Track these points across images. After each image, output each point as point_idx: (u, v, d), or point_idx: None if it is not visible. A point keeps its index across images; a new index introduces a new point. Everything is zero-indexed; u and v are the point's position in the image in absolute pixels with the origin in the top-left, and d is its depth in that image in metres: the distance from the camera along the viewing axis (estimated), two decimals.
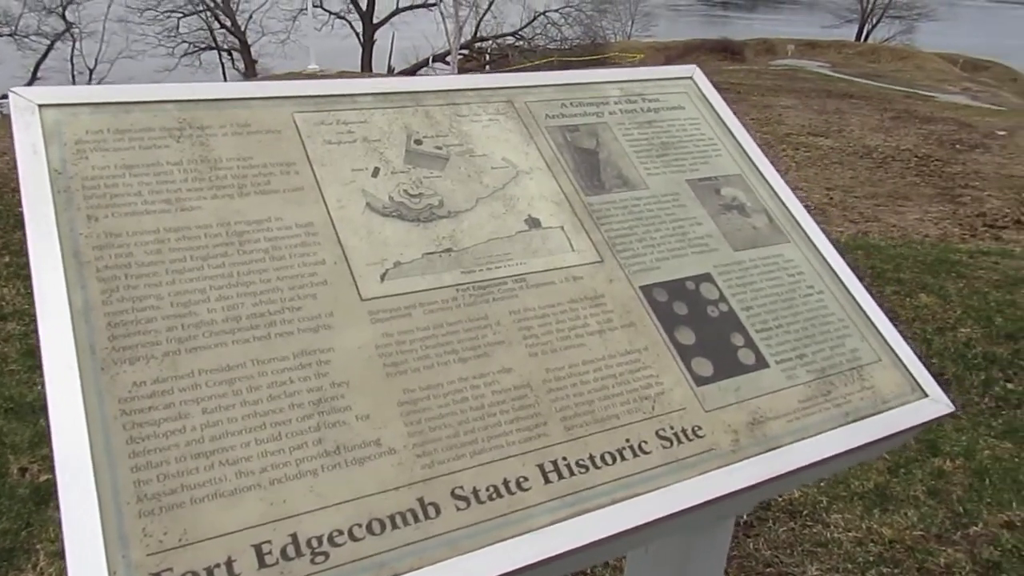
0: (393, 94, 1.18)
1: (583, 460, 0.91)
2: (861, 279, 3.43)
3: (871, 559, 2.28)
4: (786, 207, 1.30)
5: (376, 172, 1.07)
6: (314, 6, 24.71)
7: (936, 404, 1.14)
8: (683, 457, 0.95)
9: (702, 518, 1.17)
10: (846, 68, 26.45)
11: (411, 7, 28.16)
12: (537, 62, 24.69)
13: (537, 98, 1.28)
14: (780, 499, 2.50)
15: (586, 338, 1.01)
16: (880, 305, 3.23)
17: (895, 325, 3.21)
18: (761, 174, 1.33)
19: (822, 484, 2.59)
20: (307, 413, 0.83)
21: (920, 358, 3.16)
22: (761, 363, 1.08)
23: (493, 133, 1.19)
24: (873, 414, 1.10)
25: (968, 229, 8.60)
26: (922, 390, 1.15)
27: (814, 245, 1.27)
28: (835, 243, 1.33)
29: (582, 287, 1.06)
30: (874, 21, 42.54)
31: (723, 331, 1.09)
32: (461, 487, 0.84)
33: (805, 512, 2.46)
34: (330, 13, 28.29)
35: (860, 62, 29.53)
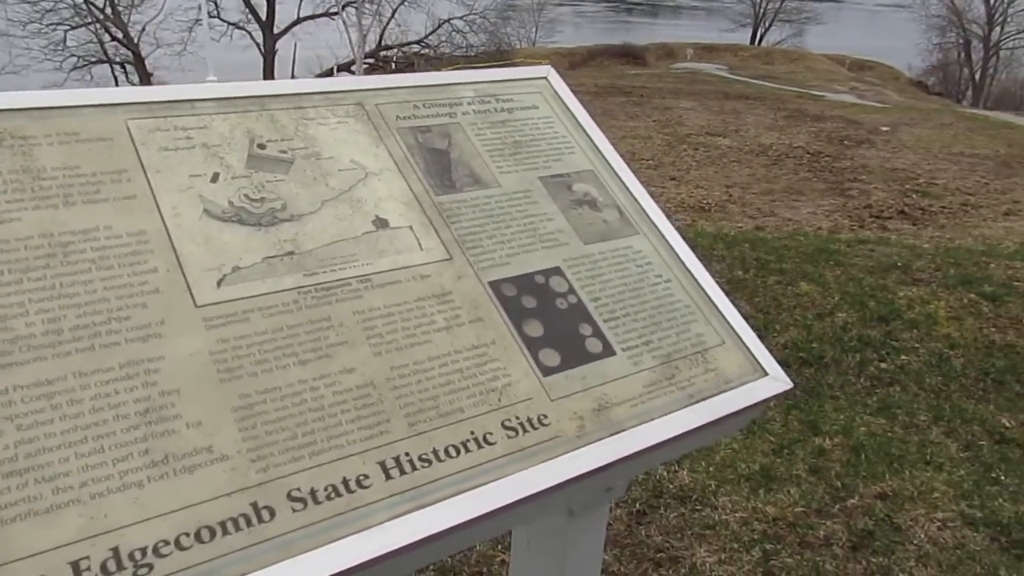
0: (236, 99, 1.17)
1: (426, 454, 0.92)
2: (747, 270, 3.57)
3: (756, 537, 2.37)
4: (637, 201, 1.35)
5: (216, 177, 1.06)
6: (211, 16, 24.02)
7: (776, 382, 1.20)
8: (528, 446, 0.98)
9: (565, 501, 1.20)
10: (742, 70, 27.49)
11: (312, 16, 27.73)
12: (443, 69, 24.69)
13: (388, 100, 1.29)
14: (671, 485, 2.58)
15: (432, 335, 1.03)
16: (764, 294, 3.36)
17: (778, 313, 3.36)
18: (613, 170, 1.38)
19: (711, 468, 2.68)
20: (133, 424, 0.82)
21: (802, 343, 3.30)
22: (608, 351, 1.12)
23: (341, 136, 1.19)
24: (716, 394, 1.15)
25: (857, 220, 9.06)
26: (763, 369, 1.21)
27: (663, 236, 1.31)
28: (683, 234, 1.38)
29: (430, 285, 1.07)
30: (767, 25, 44.35)
31: (571, 322, 1.12)
32: (298, 489, 0.84)
33: (695, 497, 2.54)
34: (228, 23, 27.56)
35: (755, 64, 30.73)
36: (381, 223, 1.11)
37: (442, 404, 0.97)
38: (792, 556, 2.30)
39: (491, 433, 0.97)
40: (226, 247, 0.99)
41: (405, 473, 0.90)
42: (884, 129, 14.38)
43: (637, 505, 2.49)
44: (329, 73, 27.02)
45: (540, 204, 1.26)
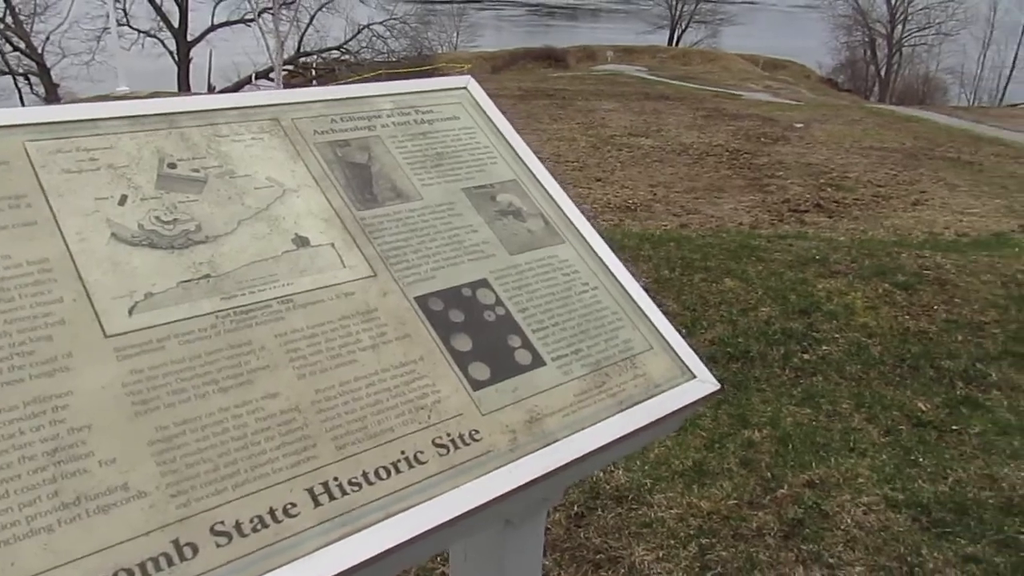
0: (144, 117, 1.12)
1: (356, 478, 0.90)
2: (673, 269, 3.63)
3: (692, 532, 2.42)
4: (561, 209, 1.35)
5: (124, 200, 1.01)
6: (119, 24, 23.21)
7: (703, 384, 1.22)
8: (460, 463, 0.97)
9: (502, 513, 1.19)
10: (662, 71, 28.04)
11: (227, 23, 27.07)
12: (365, 75, 24.44)
13: (305, 114, 1.26)
14: (608, 486, 2.60)
15: (358, 354, 1.00)
16: (690, 292, 3.42)
17: (704, 310, 3.42)
18: (536, 179, 1.38)
19: (646, 467, 2.72)
20: (40, 465, 0.77)
21: (728, 338, 3.38)
22: (538, 362, 1.12)
23: (256, 152, 1.16)
24: (646, 399, 1.16)
25: (776, 215, 9.34)
26: (691, 372, 1.23)
27: (588, 244, 1.32)
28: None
29: (354, 303, 1.05)
30: (683, 26, 45.41)
31: (500, 334, 1.12)
32: (222, 522, 0.81)
33: (631, 496, 2.57)
34: (139, 32, 26.68)
35: (674, 65, 31.40)
36: (301, 241, 1.08)
37: (370, 425, 0.95)
38: (727, 549, 2.35)
39: (422, 452, 0.95)
40: (137, 273, 0.95)
41: (335, 498, 0.87)
42: (798, 126, 14.87)
43: (575, 508, 2.50)
44: (248, 81, 26.46)
45: (464, 216, 1.25)
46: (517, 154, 1.40)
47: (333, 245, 1.10)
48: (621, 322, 1.24)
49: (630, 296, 1.28)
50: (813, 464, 2.77)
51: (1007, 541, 2.40)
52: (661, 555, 2.31)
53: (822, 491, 2.64)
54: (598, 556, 2.30)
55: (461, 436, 0.99)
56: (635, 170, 11.49)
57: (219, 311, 0.96)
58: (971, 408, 3.13)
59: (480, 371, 1.06)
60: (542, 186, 1.37)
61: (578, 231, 1.34)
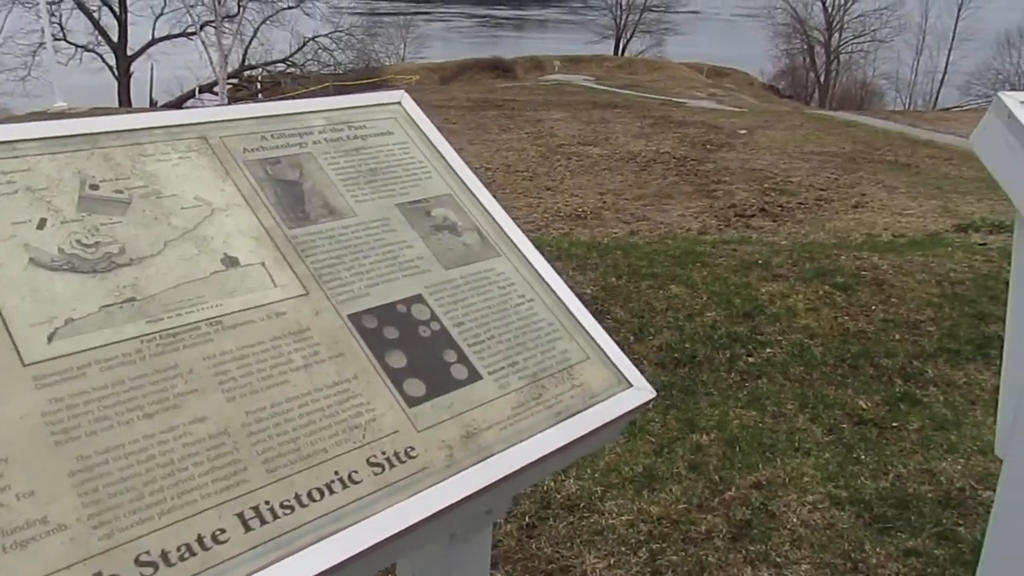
0: (64, 137, 1.09)
1: (288, 501, 0.89)
2: (620, 276, 3.66)
3: (642, 538, 2.44)
4: (496, 223, 1.36)
5: (43, 224, 0.99)
6: (56, 39, 22.62)
7: (640, 392, 1.23)
8: (396, 480, 0.96)
9: (445, 528, 1.19)
10: (608, 80, 28.39)
11: (169, 37, 26.60)
12: (312, 88, 24.24)
13: (234, 132, 1.24)
14: (559, 495, 2.61)
15: (290, 375, 0.99)
16: (637, 299, 3.45)
17: (651, 316, 3.46)
18: (472, 193, 1.38)
19: (596, 474, 2.74)
20: None
21: (675, 344, 3.41)
22: (474, 376, 1.12)
23: (184, 172, 1.14)
24: (583, 410, 1.17)
25: (723, 220, 9.51)
26: (627, 381, 1.24)
27: (524, 256, 1.33)
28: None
29: (285, 323, 1.04)
30: (629, 36, 46.05)
31: (435, 350, 1.12)
32: (147, 552, 0.79)
33: (582, 504, 2.58)
34: (76, 46, 26.05)
35: (620, 74, 31.81)
36: (231, 261, 1.07)
37: (303, 446, 0.94)
38: (677, 553, 2.38)
39: (356, 471, 0.94)
40: (57, 298, 0.93)
41: (266, 523, 0.86)
42: (742, 132, 15.16)
43: (527, 519, 2.51)
44: (191, 95, 26.02)
45: (398, 232, 1.24)
46: (452, 168, 1.40)
47: (264, 264, 1.09)
48: (558, 333, 1.25)
49: (566, 307, 1.29)
50: (760, 465, 2.82)
51: (945, 534, 2.47)
52: (612, 562, 2.33)
53: (769, 491, 2.68)
54: (550, 566, 2.31)
55: (396, 454, 0.98)
56: (584, 178, 11.60)
57: (144, 335, 0.94)
58: (909, 405, 3.22)
59: (415, 387, 1.06)
60: (477, 200, 1.38)
61: (514, 244, 1.34)
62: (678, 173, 11.94)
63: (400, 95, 1.48)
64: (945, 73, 42.09)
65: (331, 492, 0.92)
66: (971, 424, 3.07)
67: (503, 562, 2.31)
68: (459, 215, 1.33)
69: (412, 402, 1.04)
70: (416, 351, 1.10)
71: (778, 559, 2.37)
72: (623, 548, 2.39)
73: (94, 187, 1.06)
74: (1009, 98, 1.55)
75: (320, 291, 1.10)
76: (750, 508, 2.59)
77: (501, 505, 1.34)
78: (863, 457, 2.89)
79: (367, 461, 0.96)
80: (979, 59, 39.61)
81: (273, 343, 1.01)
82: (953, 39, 41.71)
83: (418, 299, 1.17)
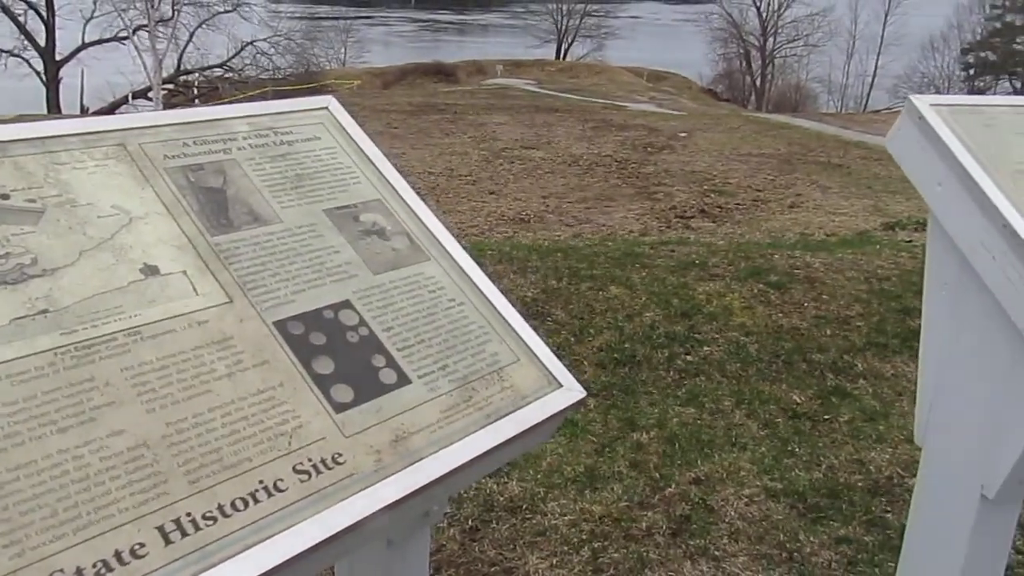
0: None
1: (210, 512, 0.87)
2: (560, 279, 3.68)
3: (585, 537, 2.46)
4: (426, 227, 1.36)
5: None
6: None
7: (570, 392, 1.25)
8: (323, 487, 0.95)
9: (381, 532, 1.19)
10: (550, 84, 28.58)
11: (100, 41, 25.83)
12: (251, 93, 23.83)
13: (154, 139, 1.22)
14: (501, 497, 2.62)
15: (213, 384, 0.98)
16: (577, 301, 3.48)
17: (591, 317, 3.49)
18: (401, 197, 1.38)
19: (539, 476, 2.75)
20: None
21: (615, 344, 3.45)
22: (403, 380, 1.12)
23: (100, 180, 1.12)
24: (514, 411, 1.18)
25: (664, 221, 9.66)
26: (557, 381, 1.26)
27: (454, 260, 1.33)
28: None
29: (208, 331, 1.03)
30: (570, 40, 46.47)
31: (363, 355, 1.11)
32: (61, 570, 0.77)
33: (525, 506, 2.60)
34: (0, 51, 25.13)
35: (562, 78, 32.07)
36: (150, 270, 1.05)
37: (226, 456, 0.93)
38: (619, 551, 2.41)
39: (282, 479, 0.94)
40: None
41: (187, 535, 0.85)
42: (682, 135, 15.42)
43: (469, 522, 2.51)
44: (124, 101, 25.34)
45: (326, 237, 1.24)
46: (381, 173, 1.40)
47: (185, 273, 1.07)
48: (488, 336, 1.26)
49: (496, 310, 1.30)
50: (698, 461, 2.88)
51: (875, 521, 2.56)
52: (555, 562, 2.35)
53: (707, 487, 2.74)
54: (493, 569, 2.31)
55: (323, 460, 0.98)
56: (527, 182, 11.65)
57: (58, 347, 0.92)
58: (840, 397, 3.32)
59: (343, 393, 1.06)
60: (407, 204, 1.38)
61: (444, 248, 1.35)
62: (620, 176, 12.10)
63: (328, 100, 1.47)
64: (874, 76, 43.59)
65: (256, 501, 0.91)
66: (898, 414, 3.19)
67: (446, 566, 2.31)
68: (388, 220, 1.33)
69: (339, 408, 1.04)
70: (344, 357, 1.10)
71: (716, 552, 2.42)
72: (565, 548, 2.41)
73: (4, 196, 1.03)
74: (920, 101, 1.61)
75: (244, 298, 1.09)
76: (689, 504, 2.64)
77: (438, 509, 1.34)
78: (797, 450, 2.97)
79: (293, 469, 0.95)
80: (906, 63, 41.12)
81: (195, 352, 1.00)
82: (881, 44, 43.20)
83: (346, 304, 1.16)
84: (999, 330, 1.48)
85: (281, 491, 0.93)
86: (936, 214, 1.59)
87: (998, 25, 41.54)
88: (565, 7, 46.28)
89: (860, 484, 2.75)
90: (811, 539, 2.47)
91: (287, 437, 0.98)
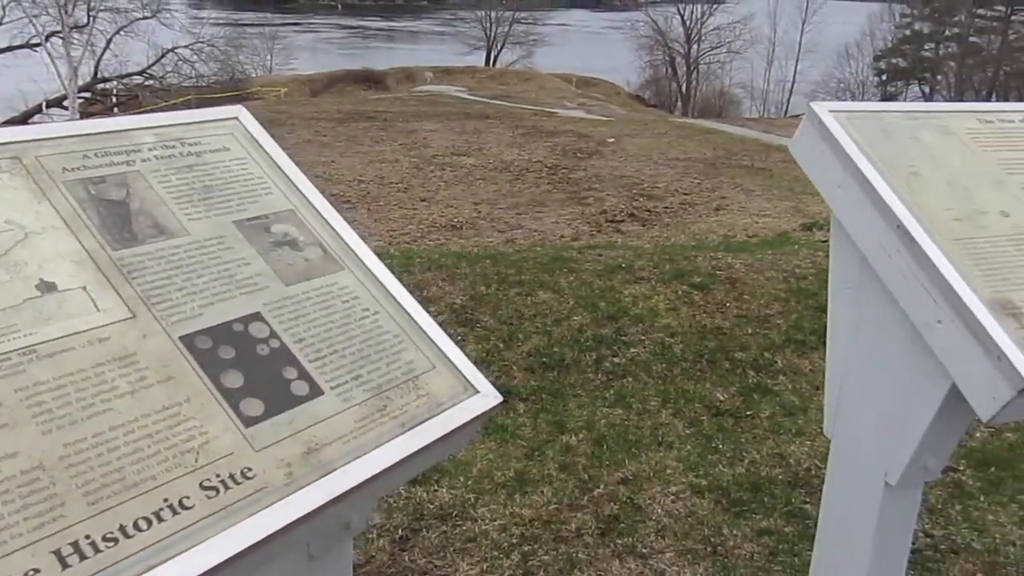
0: None
1: (111, 533, 0.85)
2: (489, 285, 3.69)
3: (515, 541, 2.48)
4: (340, 236, 1.36)
5: None
6: None
7: (486, 398, 1.26)
8: (231, 503, 0.94)
9: (301, 545, 1.17)
10: (481, 91, 28.65)
11: (9, 48, 24.76)
12: (173, 101, 23.20)
13: (52, 151, 1.18)
14: (431, 505, 2.61)
15: (115, 402, 0.96)
16: (506, 307, 3.49)
17: (520, 323, 3.51)
18: (314, 207, 1.37)
19: (469, 482, 2.76)
20: None
21: (544, 349, 3.47)
22: (316, 392, 1.11)
23: None
24: (430, 418, 1.18)
25: (595, 226, 9.78)
26: (474, 387, 1.26)
27: (368, 269, 1.33)
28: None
29: (109, 348, 1.00)
30: (499, 47, 46.70)
31: (274, 367, 1.10)
32: None
33: (455, 512, 2.60)
34: None
35: (492, 85, 32.19)
36: (47, 287, 1.02)
37: (129, 475, 0.91)
38: (548, 553, 2.43)
39: (188, 497, 0.92)
40: None
41: (86, 558, 0.83)
42: (610, 140, 15.64)
43: (399, 531, 2.49)
44: (38, 110, 24.34)
45: (235, 249, 1.22)
46: (293, 183, 1.39)
47: (85, 288, 1.05)
48: (403, 344, 1.26)
49: (412, 318, 1.31)
50: (626, 461, 2.93)
51: (795, 512, 2.65)
52: (485, 567, 2.35)
53: (635, 486, 2.79)
54: None
55: (232, 475, 0.97)
56: (459, 189, 11.65)
57: None
58: (761, 394, 3.43)
59: (253, 407, 1.04)
60: (320, 214, 1.37)
61: (358, 257, 1.34)
62: (551, 181, 12.20)
63: (238, 110, 1.45)
64: (794, 82, 45.07)
65: (160, 520, 0.89)
66: (816, 408, 3.30)
67: None
68: (301, 230, 1.32)
69: (249, 422, 1.03)
70: (254, 370, 1.08)
71: (644, 550, 2.47)
72: (496, 553, 2.42)
73: None
74: (820, 107, 1.68)
75: (149, 313, 1.06)
76: (617, 503, 2.68)
77: (359, 519, 1.33)
78: (721, 446, 3.04)
79: (200, 485, 0.94)
80: (823, 69, 42.67)
81: (95, 370, 0.97)
82: (799, 51, 44.72)
83: (256, 317, 1.15)
84: (897, 325, 1.55)
85: (187, 508, 0.91)
86: (837, 215, 1.66)
87: (908, 33, 43.51)
88: (494, 14, 46.52)
89: (781, 477, 2.84)
90: (734, 532, 2.54)
91: (193, 453, 0.96)
